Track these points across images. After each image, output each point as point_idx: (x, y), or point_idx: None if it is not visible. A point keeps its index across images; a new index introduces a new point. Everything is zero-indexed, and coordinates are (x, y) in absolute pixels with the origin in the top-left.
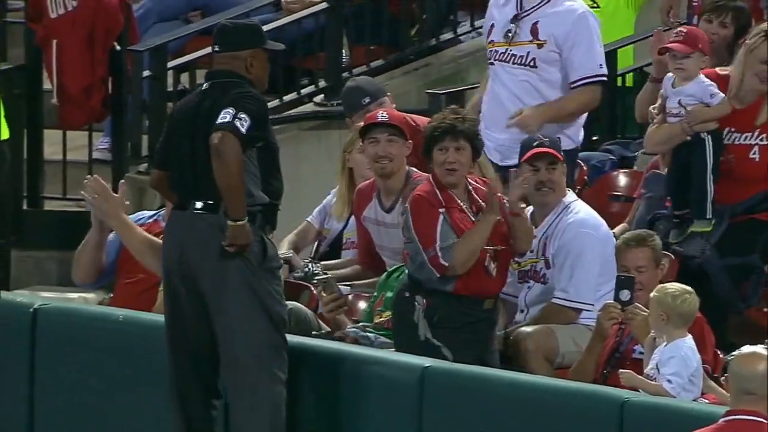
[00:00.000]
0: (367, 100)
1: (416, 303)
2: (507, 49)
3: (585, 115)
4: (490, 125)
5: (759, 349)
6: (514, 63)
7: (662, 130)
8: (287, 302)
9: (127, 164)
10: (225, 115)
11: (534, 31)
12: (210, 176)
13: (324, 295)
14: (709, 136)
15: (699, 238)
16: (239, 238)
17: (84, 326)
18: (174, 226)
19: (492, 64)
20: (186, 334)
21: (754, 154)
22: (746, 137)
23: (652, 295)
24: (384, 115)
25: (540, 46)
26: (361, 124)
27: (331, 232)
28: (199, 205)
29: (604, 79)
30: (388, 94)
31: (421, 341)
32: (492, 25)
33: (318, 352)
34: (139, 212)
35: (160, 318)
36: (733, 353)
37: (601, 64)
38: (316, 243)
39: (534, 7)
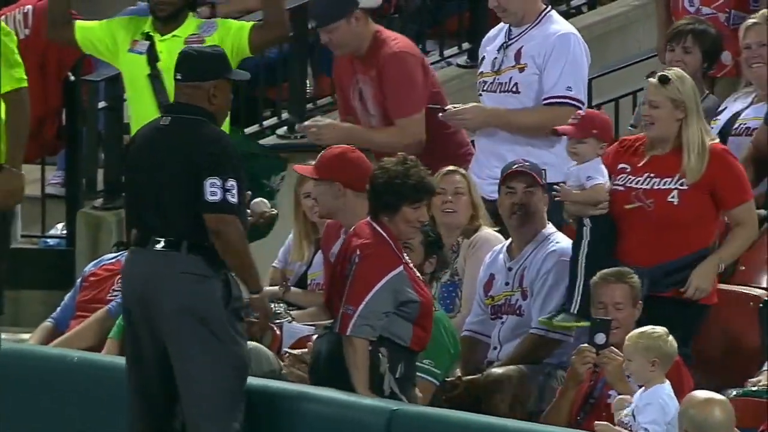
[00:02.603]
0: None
1: (381, 355)
2: (494, 78)
3: (558, 149)
4: (482, 159)
5: (713, 394)
6: (500, 91)
7: None
8: (248, 343)
9: (82, 199)
10: (213, 191)
11: (517, 56)
12: (173, 215)
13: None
14: (590, 226)
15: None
16: (265, 308)
17: (38, 368)
18: (134, 264)
19: (480, 95)
20: (144, 377)
21: (673, 197)
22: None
23: (633, 342)
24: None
25: (521, 69)
26: None
27: (295, 273)
28: (161, 243)
29: (574, 102)
30: None
31: (386, 396)
32: (483, 58)
33: (281, 394)
34: (100, 258)
35: (115, 359)
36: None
37: (569, 87)
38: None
39: (521, 33)
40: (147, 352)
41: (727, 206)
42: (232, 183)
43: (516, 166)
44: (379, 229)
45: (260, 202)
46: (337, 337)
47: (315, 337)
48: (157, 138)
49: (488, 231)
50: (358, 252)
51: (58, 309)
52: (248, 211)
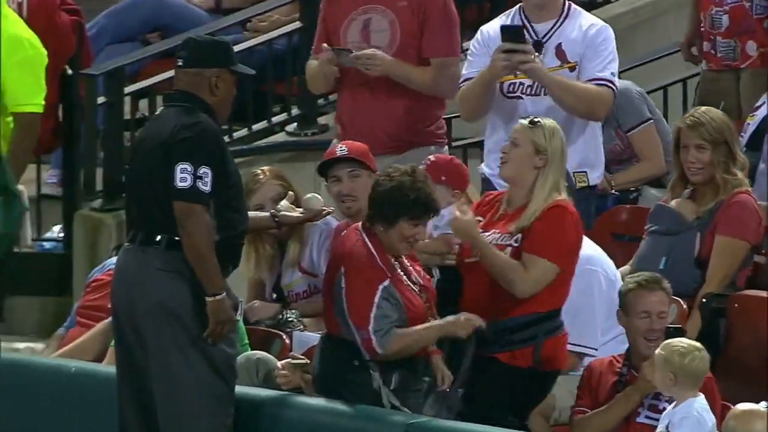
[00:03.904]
0: None
1: (371, 371)
2: (536, 81)
3: (599, 149)
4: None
5: (755, 406)
6: (546, 94)
7: None
8: (255, 352)
9: (80, 200)
10: (183, 176)
11: (561, 55)
12: (152, 208)
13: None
14: (437, 277)
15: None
16: (219, 314)
17: (34, 378)
18: (119, 262)
19: (520, 98)
20: (135, 383)
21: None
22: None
23: (657, 351)
24: (343, 149)
25: (572, 68)
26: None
27: (268, 281)
28: (141, 238)
29: (613, 87)
30: None
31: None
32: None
33: (292, 405)
34: (104, 262)
35: (112, 370)
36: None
37: (613, 73)
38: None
39: (551, 30)
40: (135, 353)
41: (524, 248)
42: (205, 171)
43: None
44: (367, 239)
45: (314, 199)
46: (340, 345)
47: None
48: (147, 129)
49: None
50: (342, 270)
51: (69, 317)
52: (300, 209)
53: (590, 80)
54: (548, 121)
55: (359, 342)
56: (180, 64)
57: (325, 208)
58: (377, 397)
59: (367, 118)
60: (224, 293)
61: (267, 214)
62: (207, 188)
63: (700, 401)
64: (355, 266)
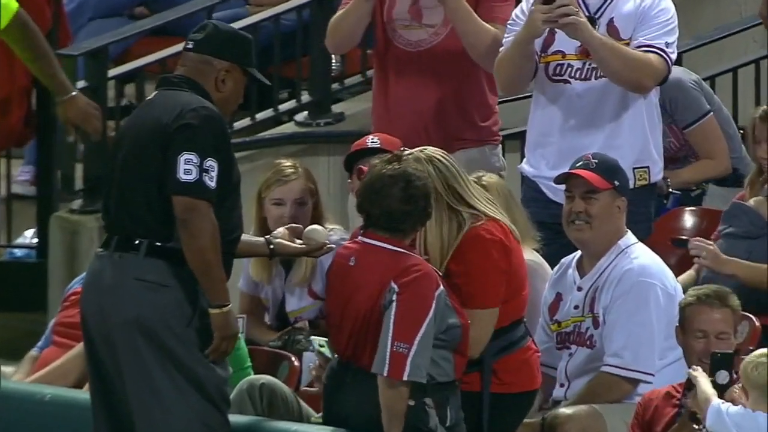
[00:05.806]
0: None
1: (427, 407)
2: (586, 63)
3: (659, 141)
4: (551, 158)
5: None
6: (596, 77)
7: None
8: (261, 376)
9: (56, 200)
10: (188, 168)
11: (613, 31)
12: (135, 206)
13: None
14: None
15: None
16: (224, 329)
17: (3, 406)
18: (92, 267)
19: (567, 82)
20: (110, 406)
21: None
22: None
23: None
24: (375, 140)
25: (626, 46)
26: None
27: (270, 303)
28: (117, 242)
29: (666, 56)
30: None
31: None
32: (549, 37)
33: None
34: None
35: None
36: None
37: (667, 43)
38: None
39: (605, 4)
40: (108, 370)
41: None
42: (211, 164)
43: (580, 165)
44: (400, 248)
45: (320, 231)
46: (362, 375)
47: (327, 373)
48: (137, 115)
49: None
50: (395, 287)
51: (44, 335)
52: (298, 240)
53: (639, 47)
54: (429, 151)
55: (385, 355)
56: (189, 46)
57: (327, 242)
58: None
59: (408, 108)
60: (230, 304)
61: (262, 239)
62: (213, 184)
63: (753, 413)
64: (414, 279)
